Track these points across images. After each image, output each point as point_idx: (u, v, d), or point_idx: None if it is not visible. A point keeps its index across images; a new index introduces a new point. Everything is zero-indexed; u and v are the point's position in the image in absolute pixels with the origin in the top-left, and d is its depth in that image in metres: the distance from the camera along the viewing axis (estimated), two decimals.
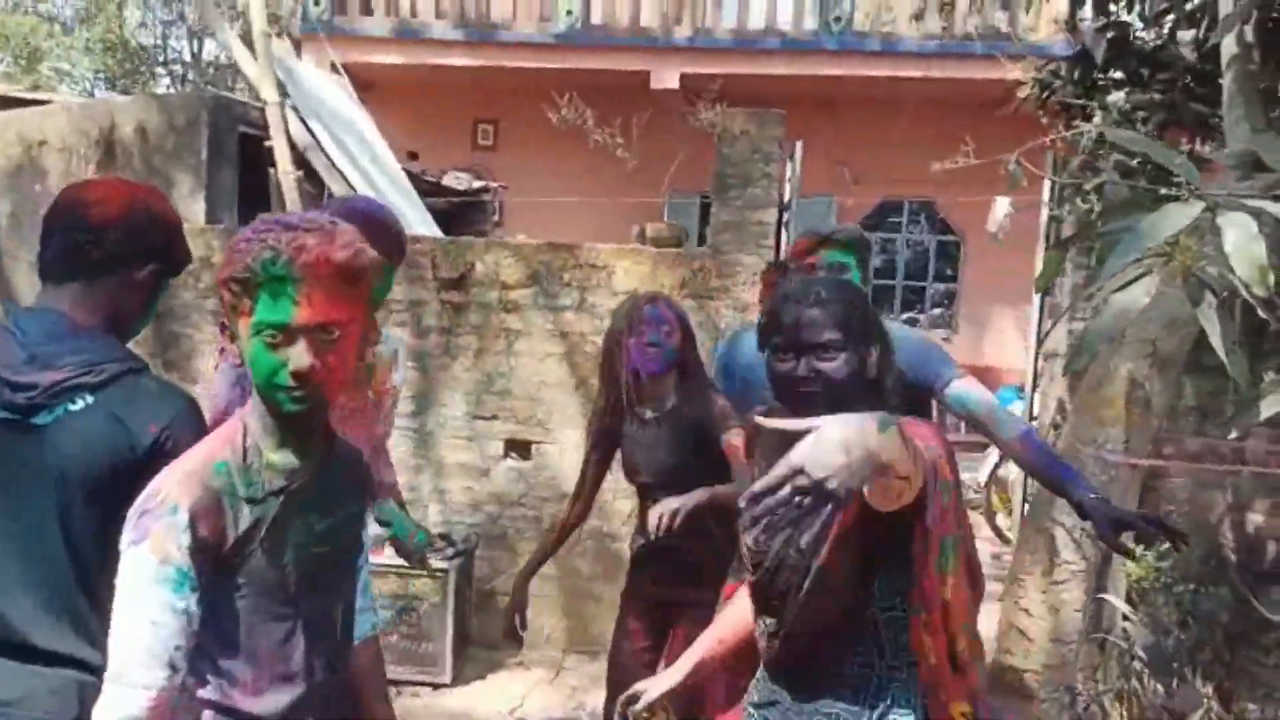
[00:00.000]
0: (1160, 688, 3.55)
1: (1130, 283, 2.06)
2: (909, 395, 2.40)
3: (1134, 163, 3.49)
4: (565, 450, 4.63)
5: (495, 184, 9.32)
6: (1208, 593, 3.69)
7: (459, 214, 8.28)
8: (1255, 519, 4.56)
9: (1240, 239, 1.88)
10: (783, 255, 4.71)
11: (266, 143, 5.42)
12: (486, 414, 4.76)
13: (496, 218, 9.96)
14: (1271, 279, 1.84)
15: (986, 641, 2.63)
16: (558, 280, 4.71)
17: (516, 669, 4.58)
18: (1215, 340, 2.01)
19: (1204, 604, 3.76)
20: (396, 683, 4.35)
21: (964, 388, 2.36)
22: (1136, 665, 3.60)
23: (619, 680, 2.77)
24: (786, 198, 4.83)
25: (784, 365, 1.64)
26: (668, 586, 2.84)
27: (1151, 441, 3.08)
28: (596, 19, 10.23)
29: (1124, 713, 3.56)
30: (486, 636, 4.65)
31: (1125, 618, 3.80)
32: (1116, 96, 4.04)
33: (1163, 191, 1.99)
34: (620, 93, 9.39)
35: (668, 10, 10.17)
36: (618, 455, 2.99)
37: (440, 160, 9.69)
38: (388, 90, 10.19)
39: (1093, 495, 2.18)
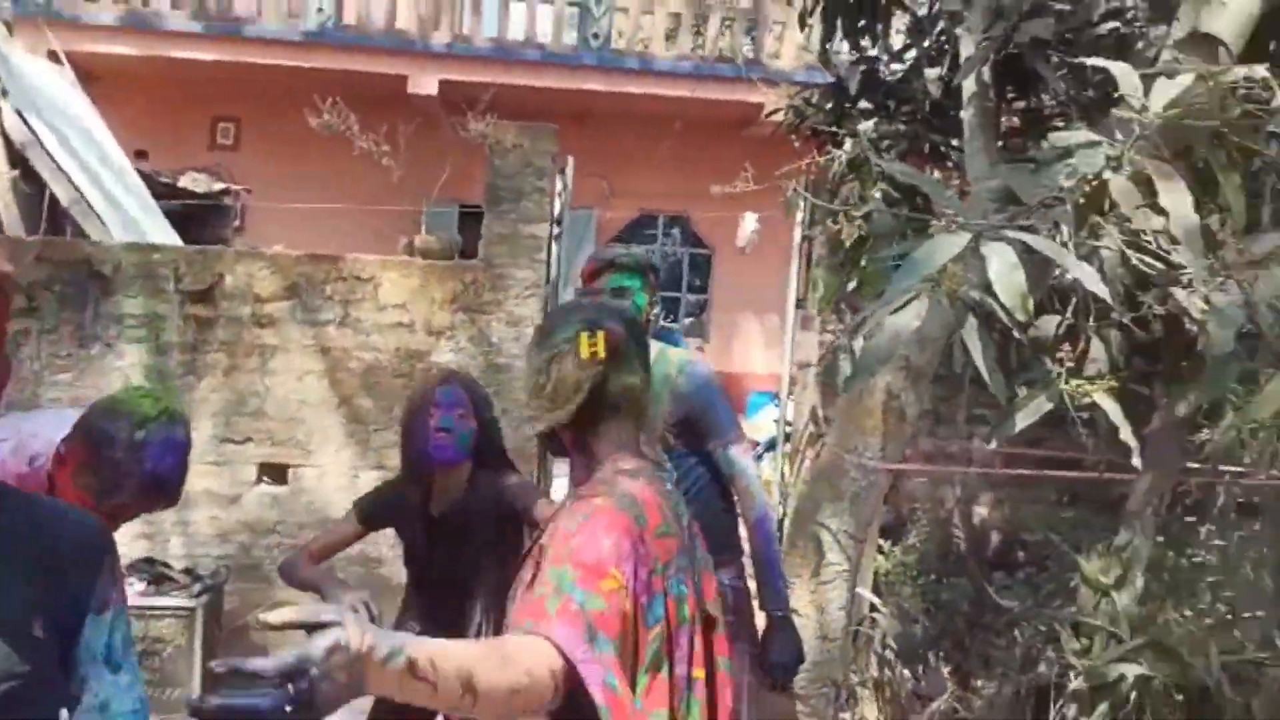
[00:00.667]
0: (909, 674, 3.81)
1: (902, 306, 2.17)
2: (683, 425, 2.51)
3: (895, 194, 3.73)
4: (326, 473, 4.39)
5: (237, 187, 8.75)
6: (948, 583, 4.00)
7: (197, 219, 7.70)
8: (980, 512, 5.02)
9: (1003, 268, 2.03)
10: (552, 271, 4.69)
11: None
12: (237, 437, 4.43)
13: (238, 223, 9.36)
14: (1031, 305, 1.99)
15: None
16: (319, 293, 4.46)
17: None
18: (978, 359, 2.15)
19: (944, 594, 4.08)
20: None
21: (737, 454, 2.56)
22: (888, 654, 3.84)
23: None
24: (558, 211, 4.80)
25: None
26: None
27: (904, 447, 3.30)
28: (350, 19, 9.85)
29: (878, 700, 3.79)
30: None
31: (873, 609, 4.06)
32: (866, 125, 4.30)
33: (933, 222, 2.11)
34: (376, 97, 9.07)
35: (425, 14, 9.94)
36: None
37: (174, 160, 8.98)
38: (113, 82, 9.33)
39: (780, 614, 2.50)
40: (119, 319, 4.35)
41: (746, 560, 2.72)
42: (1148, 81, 2.25)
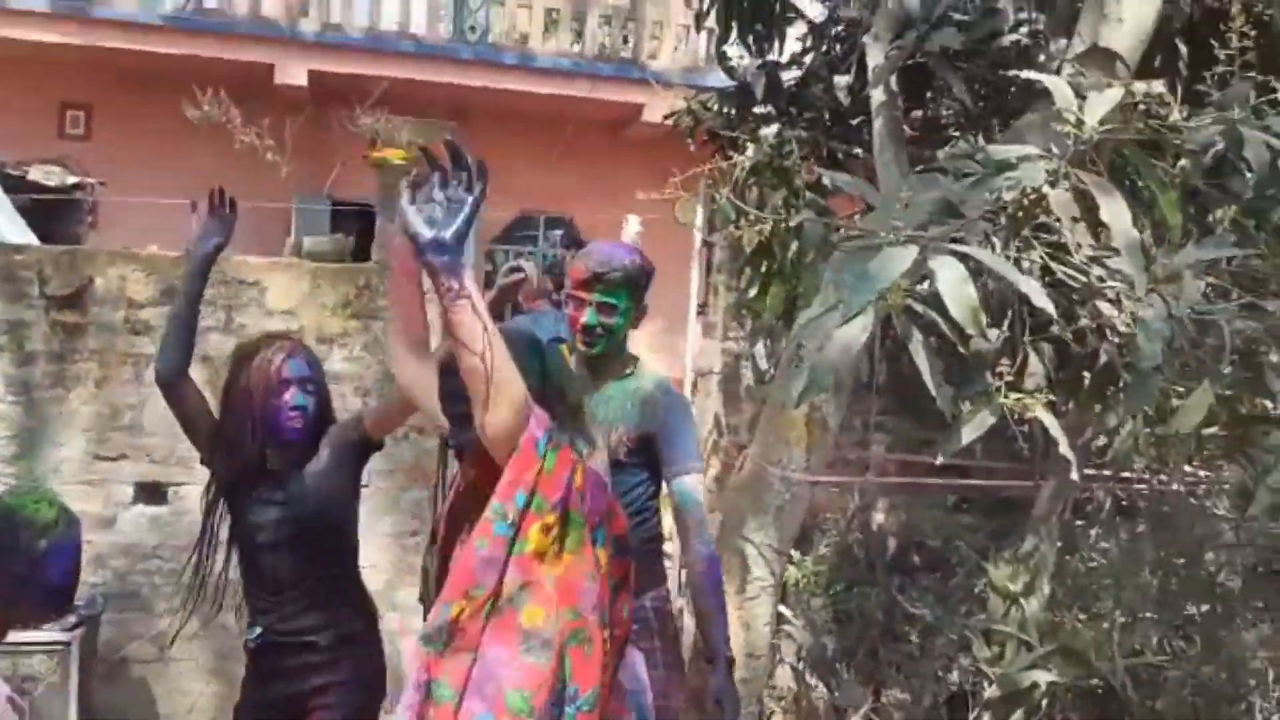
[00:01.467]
0: (824, 687, 3.83)
1: (850, 319, 2.15)
2: (643, 442, 2.41)
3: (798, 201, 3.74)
4: None
5: (92, 180, 8.18)
6: (858, 592, 4.04)
7: (46, 215, 7.15)
8: (878, 519, 5.10)
9: (953, 282, 2.02)
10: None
11: None
12: (111, 453, 4.11)
13: (91, 219, 8.76)
14: (984, 319, 2.00)
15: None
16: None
17: None
18: (925, 373, 2.15)
19: (854, 603, 4.11)
20: None
21: (692, 485, 2.39)
22: (802, 668, 3.86)
23: None
24: None
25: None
26: (297, 678, 2.43)
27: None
28: (211, 2, 9.35)
29: (796, 715, 3.80)
30: (117, 712, 4.02)
31: (782, 620, 4.07)
32: (768, 130, 4.30)
33: (870, 234, 2.10)
34: (240, 86, 8.63)
35: (292, 0, 9.52)
36: None
37: (18, 150, 8.33)
38: None
39: (726, 655, 2.33)
40: None
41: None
42: (1080, 96, 2.29)
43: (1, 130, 8.59)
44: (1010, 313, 2.32)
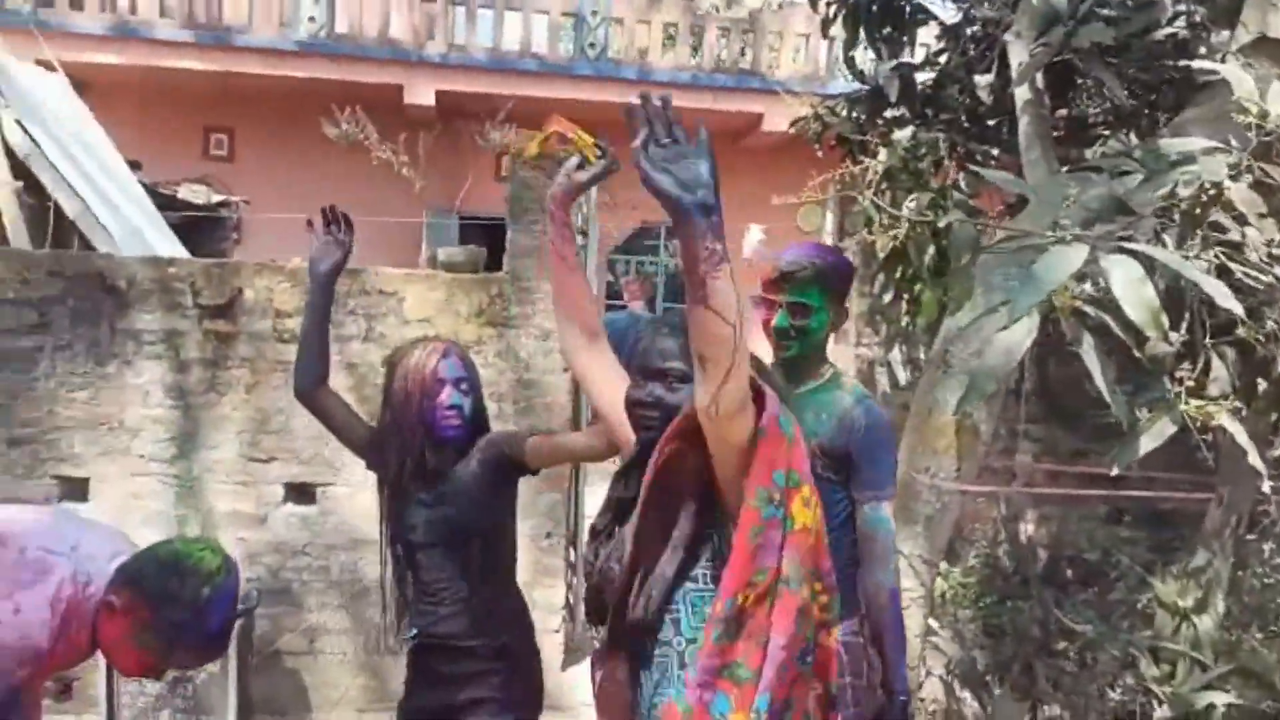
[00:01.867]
0: (976, 701, 3.70)
1: (1013, 322, 2.07)
2: (839, 460, 2.24)
3: (971, 201, 3.63)
4: (355, 493, 4.23)
5: (236, 198, 8.57)
6: (1011, 605, 3.89)
7: (193, 231, 7.52)
8: (1027, 530, 4.91)
9: (1129, 282, 1.93)
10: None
11: None
12: (262, 455, 4.27)
13: (235, 236, 9.18)
14: (1165, 320, 1.90)
15: None
16: (341, 307, 4.31)
17: None
18: (1098, 378, 2.06)
19: (1007, 616, 3.97)
20: None
21: (886, 513, 2.24)
22: (953, 681, 3.73)
23: None
24: (581, 222, 4.69)
25: (634, 391, 1.68)
26: (451, 687, 2.42)
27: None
28: (342, 28, 9.71)
29: None
30: (273, 703, 4.17)
31: (930, 633, 3.95)
32: (902, 134, 4.21)
33: (1048, 234, 2.01)
34: (371, 107, 8.94)
35: (419, 24, 9.82)
36: None
37: (166, 171, 8.80)
38: (102, 92, 9.14)
39: (904, 698, 2.21)
40: (135, 335, 4.18)
41: None
42: (1262, 86, 2.17)
43: (150, 153, 9.08)
44: (1189, 315, 2.21)
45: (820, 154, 5.18)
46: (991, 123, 4.31)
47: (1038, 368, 3.34)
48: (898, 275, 4.49)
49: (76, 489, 4.17)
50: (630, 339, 2.13)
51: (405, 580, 2.51)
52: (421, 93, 9.71)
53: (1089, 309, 2.07)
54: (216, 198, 7.83)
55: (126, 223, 5.40)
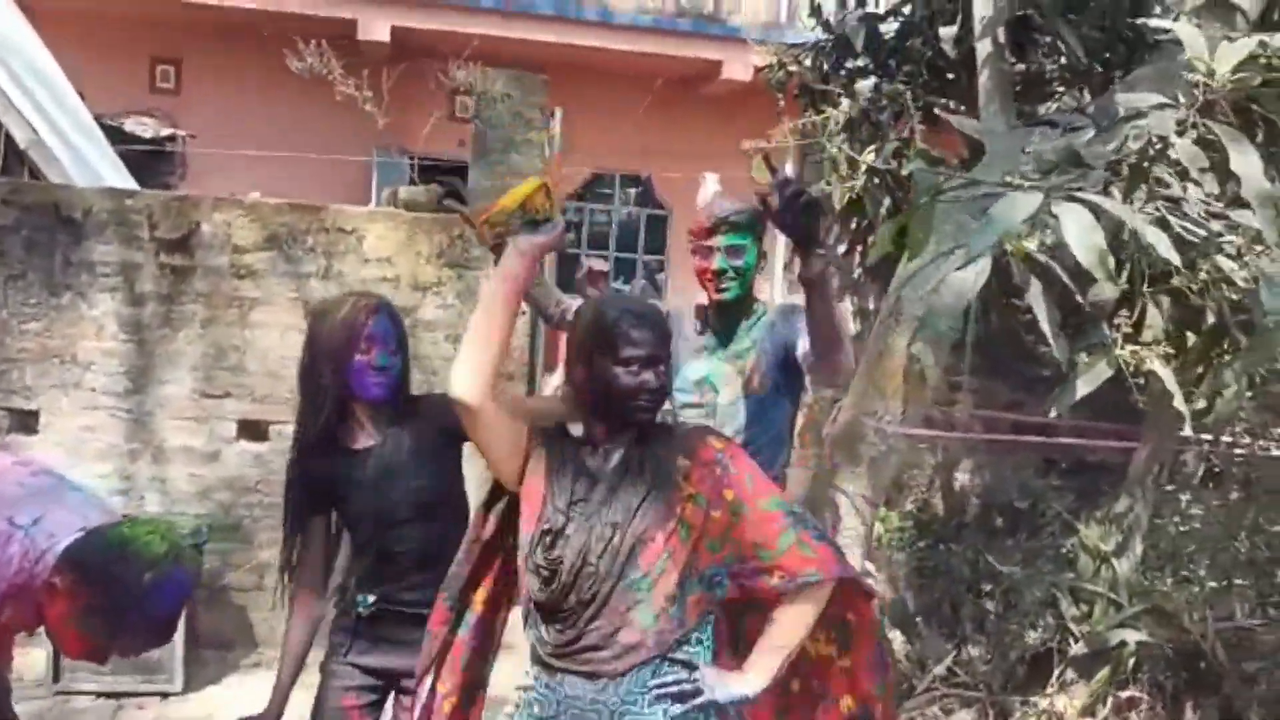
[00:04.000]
0: (906, 641, 3.85)
1: (969, 263, 2.15)
2: (779, 362, 2.40)
3: (934, 152, 3.70)
4: None
5: (182, 133, 8.38)
6: (946, 549, 4.04)
7: (138, 165, 7.36)
8: (961, 478, 5.07)
9: (1080, 229, 2.01)
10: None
11: None
12: (216, 391, 4.26)
13: (181, 171, 8.98)
14: (1112, 263, 1.98)
15: None
16: (300, 245, 4.29)
17: (253, 670, 4.18)
18: (1043, 322, 2.15)
19: (940, 560, 4.12)
20: (118, 695, 3.83)
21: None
22: (882, 619, 3.87)
23: None
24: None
25: (629, 379, 1.75)
26: (408, 652, 2.15)
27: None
28: None
29: None
30: (219, 637, 4.21)
31: (869, 574, 4.09)
32: (864, 84, 4.26)
33: (1006, 179, 2.08)
34: (325, 42, 8.74)
35: None
36: None
37: (110, 103, 8.56)
38: (46, 19, 8.83)
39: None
40: (90, 267, 4.13)
41: None
42: (1212, 45, 2.24)
43: (96, 84, 8.82)
44: (1129, 265, 2.30)
45: (782, 103, 5.22)
46: (951, 76, 4.37)
47: (977, 322, 3.44)
48: (853, 226, 4.57)
49: (26, 422, 4.14)
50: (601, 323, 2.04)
51: (365, 548, 2.36)
52: (377, 28, 9.52)
53: (1040, 255, 2.15)
54: (164, 131, 7.65)
55: (78, 154, 5.28)
